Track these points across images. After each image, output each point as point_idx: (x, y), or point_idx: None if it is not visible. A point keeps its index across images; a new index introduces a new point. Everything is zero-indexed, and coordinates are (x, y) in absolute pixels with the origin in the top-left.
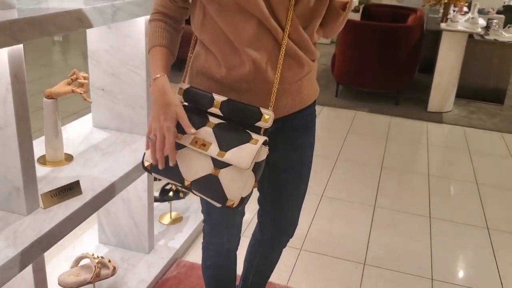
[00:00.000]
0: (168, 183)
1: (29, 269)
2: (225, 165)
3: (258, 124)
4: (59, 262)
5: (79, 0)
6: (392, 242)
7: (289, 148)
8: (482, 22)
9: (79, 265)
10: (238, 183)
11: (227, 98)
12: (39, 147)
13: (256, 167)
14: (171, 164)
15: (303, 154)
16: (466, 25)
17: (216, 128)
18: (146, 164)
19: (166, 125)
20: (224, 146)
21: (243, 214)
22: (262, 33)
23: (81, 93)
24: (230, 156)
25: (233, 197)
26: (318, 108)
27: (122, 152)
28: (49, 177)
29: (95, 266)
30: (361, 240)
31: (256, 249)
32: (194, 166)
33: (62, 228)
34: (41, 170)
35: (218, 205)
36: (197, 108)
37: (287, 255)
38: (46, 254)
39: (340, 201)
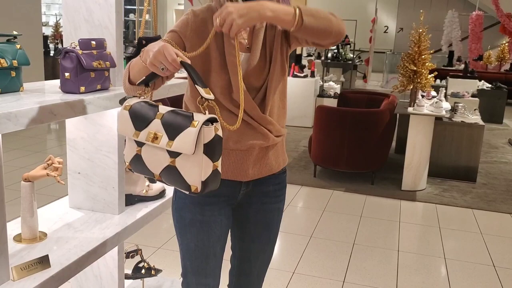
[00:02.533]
0: (140, 261)
1: None
2: (177, 154)
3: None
4: None
5: (56, 97)
6: None
7: (259, 212)
8: (446, 105)
9: None
10: (195, 169)
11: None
12: (17, 226)
13: (208, 148)
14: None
15: (271, 218)
16: (432, 109)
17: (164, 119)
18: (126, 164)
19: (167, 52)
20: (171, 135)
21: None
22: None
23: (55, 176)
24: (177, 144)
25: (194, 183)
26: (296, 187)
27: (92, 230)
28: (22, 253)
29: None
30: None
31: None
32: (156, 159)
33: None
34: (16, 247)
35: (186, 192)
36: (147, 103)
37: None
38: None
39: (311, 277)
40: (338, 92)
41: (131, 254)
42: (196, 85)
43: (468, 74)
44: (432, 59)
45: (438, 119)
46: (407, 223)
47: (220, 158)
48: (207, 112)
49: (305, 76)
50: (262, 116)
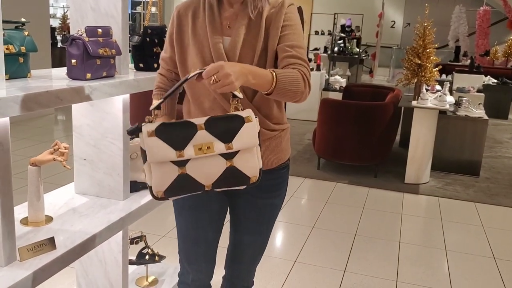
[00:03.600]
0: (144, 247)
1: None
2: (235, 153)
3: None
4: None
5: (62, 83)
6: None
7: (249, 205)
8: (450, 99)
9: None
10: (253, 160)
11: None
12: (24, 209)
13: (259, 136)
14: None
15: (262, 213)
16: (435, 102)
17: (209, 127)
18: (158, 194)
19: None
20: (228, 138)
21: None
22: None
23: (61, 161)
24: (238, 144)
25: (254, 173)
26: (300, 179)
27: (97, 215)
28: (28, 235)
29: None
30: None
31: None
32: (208, 170)
33: (35, 278)
34: (22, 229)
35: (243, 187)
36: (179, 123)
37: None
38: None
39: (312, 266)
40: (344, 86)
41: (135, 240)
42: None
43: (474, 70)
44: (439, 54)
45: (442, 113)
46: (409, 215)
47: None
48: (241, 108)
49: (311, 70)
50: (247, 104)
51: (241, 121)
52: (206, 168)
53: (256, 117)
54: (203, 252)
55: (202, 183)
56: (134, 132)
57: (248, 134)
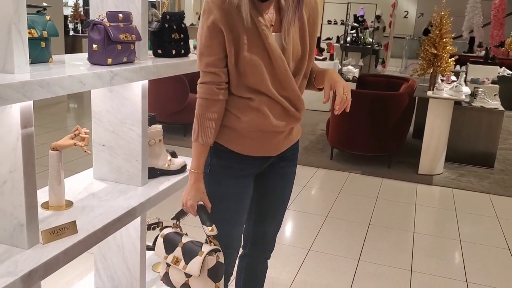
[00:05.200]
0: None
1: None
2: (190, 275)
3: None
4: None
5: (84, 67)
6: None
7: (277, 176)
8: (466, 90)
9: None
10: (201, 287)
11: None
12: (44, 194)
13: (211, 272)
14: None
15: (287, 180)
16: (451, 93)
17: (183, 247)
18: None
19: (190, 203)
20: (187, 260)
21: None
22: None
23: (81, 146)
24: (189, 268)
25: None
26: (313, 169)
27: (117, 200)
28: (50, 219)
29: None
30: None
31: (240, 266)
32: (177, 277)
33: (58, 261)
34: (44, 213)
35: None
36: (177, 233)
37: None
38: None
39: (326, 254)
40: (357, 76)
41: (152, 226)
42: (203, 225)
43: (489, 61)
44: (453, 44)
45: (457, 103)
46: (423, 206)
47: (222, 280)
48: (212, 244)
49: (324, 59)
50: (299, 97)
51: (198, 251)
52: (176, 276)
53: (214, 254)
54: (238, 234)
55: (175, 286)
56: (178, 217)
57: (194, 264)
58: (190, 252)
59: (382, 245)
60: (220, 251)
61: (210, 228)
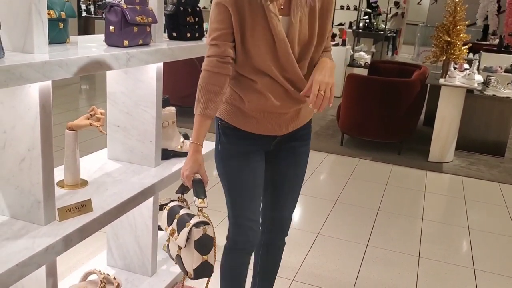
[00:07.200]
0: None
1: (42, 272)
2: (181, 246)
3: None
4: (70, 280)
5: (101, 49)
6: (380, 277)
7: (290, 154)
8: (479, 78)
9: (87, 280)
10: (189, 258)
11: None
12: (59, 173)
13: (197, 244)
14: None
15: (300, 159)
16: (463, 81)
17: (179, 219)
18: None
19: (186, 174)
20: (179, 232)
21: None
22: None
23: (97, 126)
24: (178, 239)
25: (188, 269)
26: (323, 154)
27: (131, 180)
28: (66, 197)
29: (100, 281)
30: (351, 274)
31: (257, 253)
32: (172, 249)
33: (73, 237)
34: (59, 191)
35: (186, 275)
36: (179, 206)
37: (279, 285)
38: (58, 273)
39: (335, 239)
40: (369, 62)
41: (164, 207)
42: (194, 197)
43: (503, 49)
44: (466, 32)
45: (469, 91)
46: (432, 193)
47: (211, 252)
48: (201, 215)
49: (336, 45)
50: (302, 80)
51: (186, 223)
52: (172, 248)
53: (200, 227)
54: (257, 206)
55: (172, 256)
56: (182, 191)
57: (182, 235)
58: (181, 224)
59: (391, 231)
60: (208, 224)
61: (200, 200)
